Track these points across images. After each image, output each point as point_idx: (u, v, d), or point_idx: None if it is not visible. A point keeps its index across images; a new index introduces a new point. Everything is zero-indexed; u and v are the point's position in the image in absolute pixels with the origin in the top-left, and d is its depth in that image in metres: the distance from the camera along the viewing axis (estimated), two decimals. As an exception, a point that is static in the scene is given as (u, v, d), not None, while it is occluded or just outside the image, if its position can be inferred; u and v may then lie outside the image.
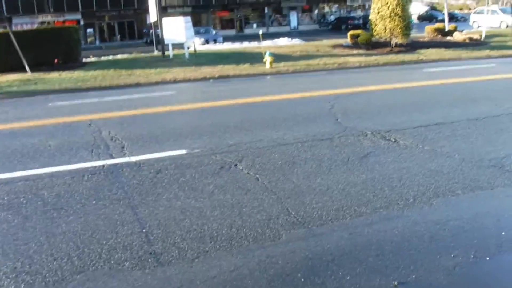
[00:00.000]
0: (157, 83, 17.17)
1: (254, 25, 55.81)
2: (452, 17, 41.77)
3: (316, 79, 16.74)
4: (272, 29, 53.36)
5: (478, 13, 43.48)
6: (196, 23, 28.43)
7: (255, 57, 21.73)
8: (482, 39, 29.83)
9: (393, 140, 7.36)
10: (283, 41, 31.89)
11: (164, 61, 22.58)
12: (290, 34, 41.86)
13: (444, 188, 5.38)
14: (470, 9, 66.91)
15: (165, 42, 24.00)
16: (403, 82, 14.28)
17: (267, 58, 19.51)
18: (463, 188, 5.38)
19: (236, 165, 6.38)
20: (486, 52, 24.03)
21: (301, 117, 9.47)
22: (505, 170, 5.92)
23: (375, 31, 25.43)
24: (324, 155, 6.72)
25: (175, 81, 17.33)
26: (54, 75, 19.42)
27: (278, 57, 21.23)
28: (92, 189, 5.73)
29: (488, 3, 43.95)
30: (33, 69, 19.68)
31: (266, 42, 27.88)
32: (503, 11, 41.88)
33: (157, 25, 24.28)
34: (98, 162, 6.83)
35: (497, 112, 9.31)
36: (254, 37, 32.65)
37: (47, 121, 10.28)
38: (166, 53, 24.30)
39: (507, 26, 37.64)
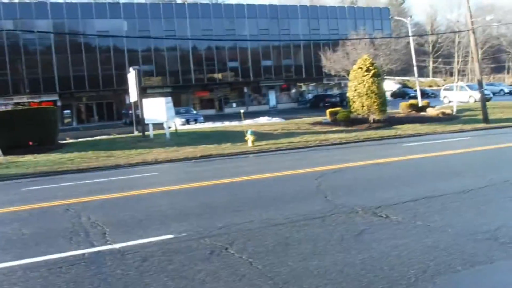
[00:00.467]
0: (138, 164, 17.03)
1: (234, 104, 57.19)
2: (424, 94, 43.70)
3: (300, 156, 16.89)
4: (252, 108, 54.67)
5: (447, 89, 45.60)
6: (176, 104, 28.93)
7: (237, 136, 21.96)
8: (454, 113, 31.04)
9: (385, 216, 7.26)
10: (264, 120, 32.54)
11: (145, 142, 22.61)
12: (270, 113, 42.91)
13: (444, 264, 5.22)
14: (438, 85, 70.22)
15: (146, 122, 24.21)
16: (385, 157, 14.48)
17: (249, 137, 19.74)
18: (462, 264, 5.23)
19: (227, 249, 6.13)
20: (459, 126, 24.92)
21: (290, 196, 9.37)
22: (500, 242, 5.84)
23: (353, 108, 26.23)
24: (317, 234, 6.55)
25: (156, 162, 17.23)
26: (28, 158, 19.06)
27: (259, 136, 21.51)
28: (72, 282, 5.34)
29: (456, 80, 46.30)
30: (6, 152, 18.87)
31: (246, 121, 28.40)
32: (470, 87, 43.99)
33: (137, 105, 24.59)
34: (77, 251, 6.43)
35: (481, 184, 9.39)
36: (234, 116, 33.31)
37: (20, 207, 9.85)
38: (146, 133, 24.41)
39: (475, 101, 39.36)
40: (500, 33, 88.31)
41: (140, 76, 26.05)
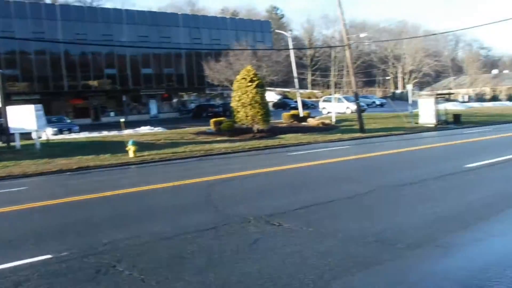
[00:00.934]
0: (2, 178, 15.44)
1: (112, 114, 54.80)
2: (304, 105, 45.88)
3: (185, 167, 16.64)
4: (132, 118, 52.79)
5: (326, 100, 48.54)
6: (46, 112, 26.89)
7: (117, 147, 21.04)
8: (332, 123, 33.11)
9: (277, 224, 7.38)
10: (145, 129, 31.66)
11: (10, 153, 20.63)
12: (151, 122, 41.87)
13: (338, 268, 5.42)
14: (317, 97, 74.54)
15: (12, 131, 22.14)
16: (272, 166, 14.85)
17: (131, 147, 19.02)
18: (356, 267, 5.46)
19: (115, 266, 5.73)
20: (338, 135, 26.62)
21: (179, 208, 9.13)
22: (387, 244, 6.23)
23: (237, 118, 26.66)
24: (211, 246, 6.42)
25: (25, 175, 15.78)
26: None
27: (141, 146, 20.84)
28: None
29: (333, 92, 49.53)
30: None
31: (127, 130, 27.36)
32: (347, 99, 47.37)
33: (1, 112, 22.39)
34: None
35: (364, 190, 10.03)
36: (113, 126, 31.89)
37: None
38: (12, 143, 22.31)
39: (351, 112, 42.44)
40: (371, 50, 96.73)
41: (3, 80, 23.80)
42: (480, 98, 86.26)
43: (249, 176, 13.12)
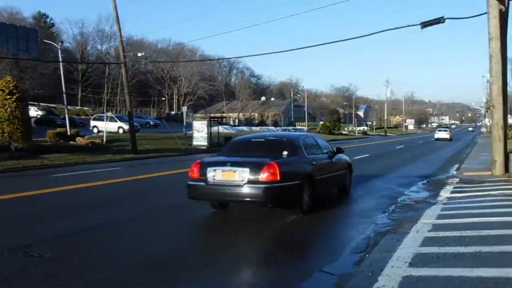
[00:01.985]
0: None
1: None
2: (72, 122, 43.46)
3: None
4: None
5: (97, 119, 46.82)
6: None
7: None
8: (104, 143, 32.18)
9: (37, 256, 6.71)
10: None
11: None
12: None
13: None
14: (87, 114, 71.43)
15: None
16: (31, 190, 13.59)
17: None
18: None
19: None
20: (109, 156, 26.07)
21: None
22: (163, 265, 6.23)
23: (-9, 134, 23.74)
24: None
25: None
26: None
27: None
28: None
29: (105, 110, 48.28)
30: None
31: None
32: (120, 118, 46.56)
33: None
34: None
35: (141, 211, 9.96)
36: None
37: None
38: None
39: (124, 132, 41.93)
40: (147, 70, 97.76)
41: None
42: (249, 122, 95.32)
43: (2, 201, 11.72)
